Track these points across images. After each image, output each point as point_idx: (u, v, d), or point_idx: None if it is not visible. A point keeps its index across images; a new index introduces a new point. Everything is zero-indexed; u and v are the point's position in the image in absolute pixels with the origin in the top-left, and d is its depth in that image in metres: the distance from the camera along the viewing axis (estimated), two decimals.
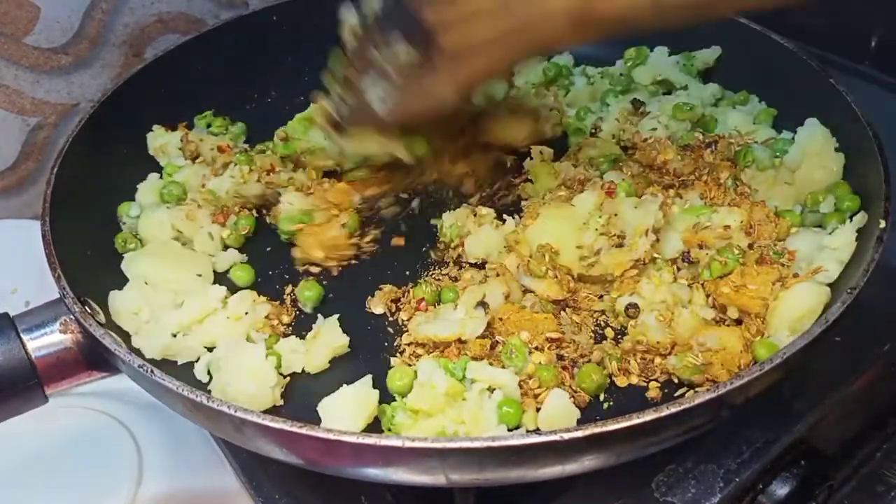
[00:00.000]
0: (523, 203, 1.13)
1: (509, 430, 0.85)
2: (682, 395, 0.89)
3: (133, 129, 1.23)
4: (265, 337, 0.98)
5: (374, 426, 0.88)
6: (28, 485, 1.04)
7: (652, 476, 0.96)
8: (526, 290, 0.99)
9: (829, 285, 0.92)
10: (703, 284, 0.97)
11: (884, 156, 0.98)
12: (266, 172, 1.16)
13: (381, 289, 1.04)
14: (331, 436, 0.73)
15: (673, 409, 0.73)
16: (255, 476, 1.03)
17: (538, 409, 0.87)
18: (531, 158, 1.20)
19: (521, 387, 0.89)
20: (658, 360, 0.92)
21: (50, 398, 0.90)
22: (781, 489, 0.98)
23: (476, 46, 0.90)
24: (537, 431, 0.85)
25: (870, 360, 1.07)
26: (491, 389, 0.88)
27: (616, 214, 1.00)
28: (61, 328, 0.89)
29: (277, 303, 1.03)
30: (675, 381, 0.91)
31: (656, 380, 0.92)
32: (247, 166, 1.16)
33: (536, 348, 0.92)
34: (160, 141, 1.23)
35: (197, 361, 0.96)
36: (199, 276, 1.06)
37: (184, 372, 0.96)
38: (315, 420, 0.86)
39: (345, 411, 0.86)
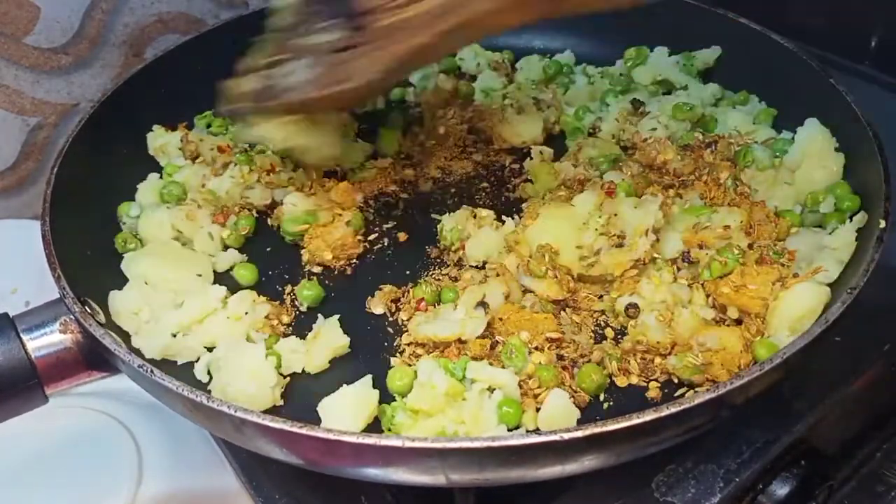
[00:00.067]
0: (523, 203, 1.13)
1: (509, 430, 0.85)
2: (682, 395, 0.89)
3: (133, 129, 1.23)
4: (265, 337, 0.98)
5: (374, 426, 0.88)
6: (28, 485, 1.04)
7: (652, 476, 0.96)
8: (526, 290, 0.99)
9: (829, 285, 0.92)
10: (703, 284, 0.97)
11: (884, 156, 0.98)
12: (266, 172, 1.16)
13: (381, 289, 1.04)
14: (331, 436, 0.73)
15: (673, 409, 0.73)
16: (255, 476, 1.03)
17: (538, 409, 0.87)
18: (531, 158, 1.20)
19: (521, 387, 0.89)
20: (658, 360, 0.92)
21: (50, 398, 0.90)
22: (781, 489, 0.98)
23: (408, 26, 0.86)
24: (537, 431, 0.85)
25: (870, 360, 1.07)
26: (491, 389, 0.88)
27: (616, 214, 1.00)
28: (61, 328, 0.89)
29: (277, 303, 1.03)
30: (675, 381, 0.91)
31: (656, 380, 0.92)
32: (247, 166, 1.17)
33: (536, 348, 0.92)
34: (160, 141, 1.23)
35: (197, 361, 0.96)
36: (199, 276, 1.06)
37: (184, 372, 0.95)
38: (315, 420, 0.86)
39: (345, 411, 0.86)
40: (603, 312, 0.99)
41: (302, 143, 1.07)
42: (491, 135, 1.27)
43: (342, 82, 0.92)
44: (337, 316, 0.99)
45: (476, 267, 1.05)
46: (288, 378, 0.95)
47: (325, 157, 1.11)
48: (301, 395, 0.93)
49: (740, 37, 1.27)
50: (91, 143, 1.12)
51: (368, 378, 0.90)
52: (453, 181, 1.22)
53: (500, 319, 0.95)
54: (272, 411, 0.90)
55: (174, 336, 0.96)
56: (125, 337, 0.96)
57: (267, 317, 1.00)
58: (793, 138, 1.11)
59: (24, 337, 0.87)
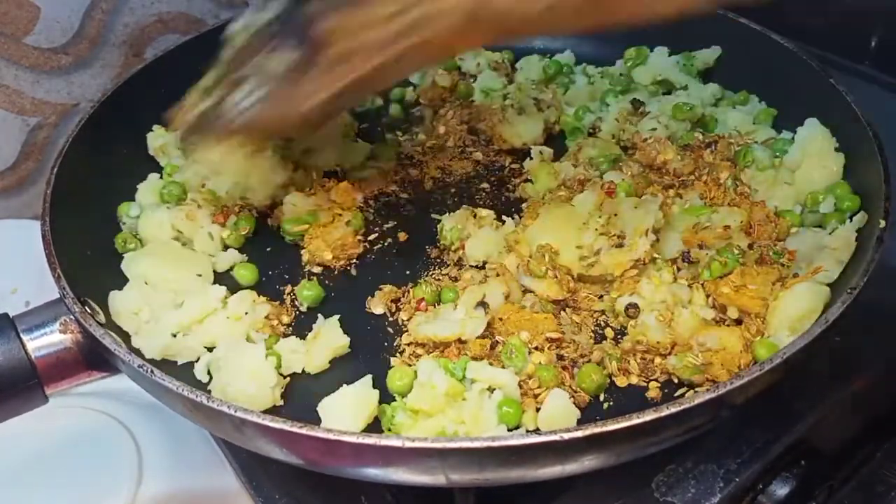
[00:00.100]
0: (523, 203, 1.13)
1: (509, 430, 0.85)
2: (682, 395, 0.89)
3: (133, 129, 1.23)
4: (265, 337, 0.98)
5: (374, 426, 0.88)
6: (28, 485, 1.04)
7: (652, 476, 0.96)
8: (526, 290, 0.99)
9: (829, 285, 0.92)
10: (703, 284, 0.96)
11: (884, 156, 0.98)
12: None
13: (381, 289, 1.04)
14: (331, 436, 0.73)
15: (673, 409, 0.73)
16: (255, 476, 1.03)
17: (538, 409, 0.87)
18: (531, 158, 1.20)
19: (521, 387, 0.89)
20: (658, 360, 0.92)
21: (50, 398, 0.90)
22: (781, 489, 0.98)
23: (364, 50, 0.84)
24: (537, 431, 0.85)
25: (870, 360, 1.07)
26: (491, 389, 0.88)
27: (616, 214, 1.00)
28: (61, 328, 0.89)
29: (277, 303, 1.03)
30: (675, 381, 0.91)
31: (656, 380, 0.92)
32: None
33: (536, 348, 0.92)
34: (160, 141, 1.23)
35: (197, 361, 0.96)
36: (199, 276, 1.06)
37: (184, 372, 0.95)
38: (315, 420, 0.86)
39: (345, 411, 0.86)
40: (603, 312, 0.99)
41: (242, 180, 1.08)
42: (491, 135, 1.27)
43: (285, 107, 0.90)
44: (337, 316, 0.98)
45: (476, 267, 1.05)
46: (288, 378, 0.95)
47: (326, 158, 1.11)
48: (301, 395, 0.93)
49: (740, 37, 1.27)
50: (91, 143, 1.12)
51: (368, 378, 0.90)
52: (453, 181, 1.22)
53: (500, 319, 0.95)
54: (272, 411, 0.90)
55: (174, 336, 0.96)
56: (125, 337, 0.96)
57: (267, 317, 1.00)
58: (793, 138, 1.11)
59: (24, 337, 0.87)
